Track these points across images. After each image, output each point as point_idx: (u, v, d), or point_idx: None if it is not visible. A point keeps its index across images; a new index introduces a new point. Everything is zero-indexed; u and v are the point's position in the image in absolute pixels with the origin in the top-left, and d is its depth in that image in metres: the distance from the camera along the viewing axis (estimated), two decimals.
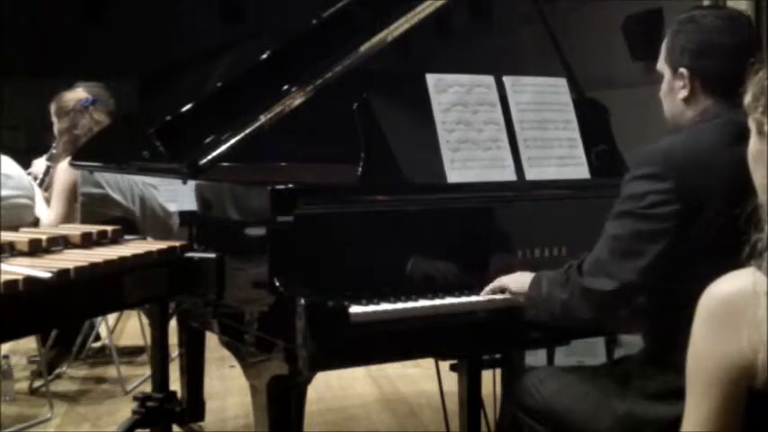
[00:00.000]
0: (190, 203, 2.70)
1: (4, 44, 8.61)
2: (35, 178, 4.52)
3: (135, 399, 3.08)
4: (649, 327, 2.14)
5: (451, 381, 2.88)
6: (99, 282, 2.29)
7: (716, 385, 1.32)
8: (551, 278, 2.15)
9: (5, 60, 8.28)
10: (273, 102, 2.60)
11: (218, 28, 9.16)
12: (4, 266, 2.08)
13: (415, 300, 2.24)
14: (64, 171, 4.20)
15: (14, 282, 1.98)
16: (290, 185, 2.24)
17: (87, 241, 2.52)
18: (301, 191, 2.26)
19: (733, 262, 1.36)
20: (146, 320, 4.32)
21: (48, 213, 4.27)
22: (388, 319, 2.18)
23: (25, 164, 4.47)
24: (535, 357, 3.81)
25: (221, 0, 9.42)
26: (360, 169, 2.39)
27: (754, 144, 1.40)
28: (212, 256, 2.46)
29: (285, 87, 2.64)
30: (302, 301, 2.06)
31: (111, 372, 4.69)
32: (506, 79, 2.64)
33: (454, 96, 2.53)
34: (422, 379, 4.50)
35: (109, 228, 2.65)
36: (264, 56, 2.70)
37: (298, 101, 2.61)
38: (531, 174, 2.60)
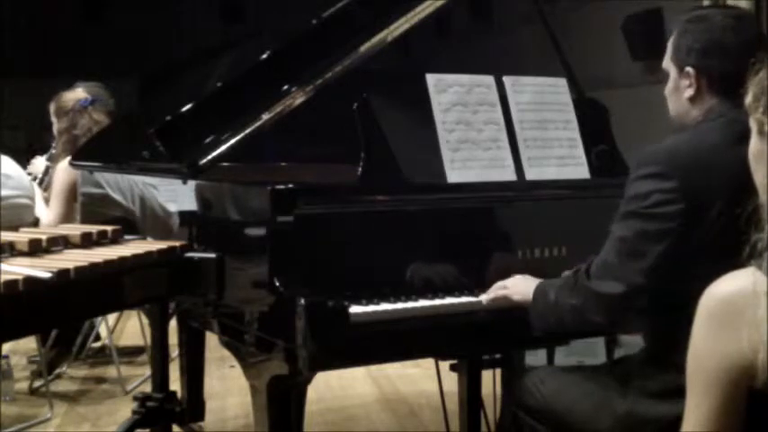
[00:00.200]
0: (190, 203, 2.70)
1: (4, 44, 8.60)
2: (34, 178, 4.52)
3: (135, 399, 3.08)
4: (651, 326, 2.13)
5: (451, 381, 2.88)
6: (99, 282, 2.29)
7: (716, 385, 1.32)
8: (558, 285, 2.13)
9: (5, 60, 8.27)
10: (273, 102, 2.60)
11: (218, 28, 9.16)
12: (4, 266, 2.08)
13: (415, 300, 2.24)
14: (63, 171, 4.20)
15: (14, 282, 1.98)
16: (290, 185, 2.24)
17: (87, 241, 2.52)
18: (301, 191, 2.26)
19: (735, 262, 1.36)
20: (146, 320, 4.32)
21: (47, 213, 4.27)
22: (388, 319, 2.18)
23: (25, 164, 4.48)
24: (535, 357, 3.81)
25: (221, 0, 9.42)
26: (360, 169, 2.39)
27: (754, 144, 1.40)
28: (212, 256, 2.46)
29: (285, 87, 2.64)
30: (302, 301, 2.06)
31: (111, 372, 4.69)
32: (506, 79, 2.64)
33: (454, 96, 2.53)
34: (422, 379, 4.50)
35: (109, 228, 2.65)
36: (264, 56, 2.70)
37: (298, 101, 2.61)
38: (531, 174, 2.60)
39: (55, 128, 4.43)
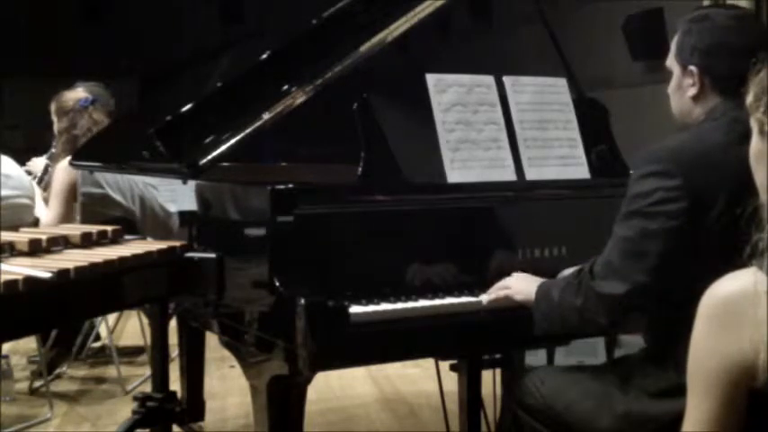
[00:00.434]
0: (190, 203, 2.70)
1: (4, 44, 8.60)
2: (33, 177, 4.52)
3: (135, 399, 3.08)
4: (651, 324, 2.14)
5: (451, 381, 2.88)
6: (99, 282, 2.29)
7: (717, 385, 1.32)
8: (562, 286, 2.12)
9: (5, 60, 8.27)
10: (273, 102, 2.60)
11: (218, 28, 9.15)
12: (4, 266, 2.08)
13: (415, 300, 2.24)
14: (63, 171, 4.20)
15: (14, 282, 1.98)
16: (290, 185, 2.24)
17: (87, 241, 2.52)
18: (301, 191, 2.26)
19: (737, 261, 1.36)
20: (146, 320, 4.32)
21: (46, 213, 4.27)
22: (388, 319, 2.18)
23: (25, 164, 4.48)
24: (535, 357, 3.81)
25: (221, 0, 9.41)
26: (360, 169, 2.39)
27: (755, 144, 1.40)
28: (212, 256, 2.46)
29: (285, 87, 2.64)
30: (302, 301, 2.06)
31: (111, 372, 4.69)
32: (506, 79, 2.64)
33: (454, 96, 2.53)
34: (422, 379, 4.50)
35: (109, 228, 2.66)
36: (264, 56, 2.70)
37: (298, 101, 2.61)
38: (531, 174, 2.60)
39: (55, 127, 4.43)
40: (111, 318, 5.15)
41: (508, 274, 2.35)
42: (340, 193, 2.41)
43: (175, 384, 3.19)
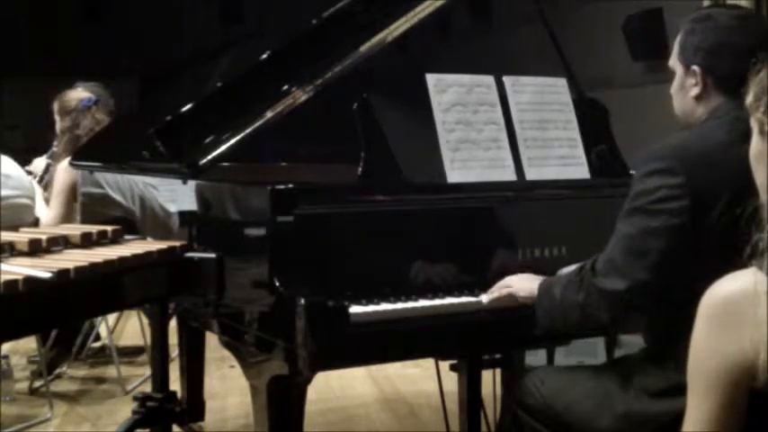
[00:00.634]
0: (190, 203, 2.70)
1: (4, 44, 8.59)
2: (34, 177, 4.52)
3: (135, 399, 3.08)
4: (652, 322, 2.14)
5: (451, 381, 2.88)
6: (99, 282, 2.29)
7: (717, 385, 1.32)
8: (563, 283, 2.12)
9: (5, 60, 8.27)
10: (273, 102, 2.60)
11: (218, 28, 9.15)
12: (4, 266, 2.08)
13: (415, 300, 2.24)
14: (63, 171, 4.20)
15: (14, 282, 1.98)
16: (290, 185, 2.24)
17: (87, 241, 2.52)
18: (301, 191, 2.26)
19: (737, 260, 1.36)
20: (146, 320, 4.32)
21: (47, 213, 4.27)
22: (388, 319, 2.18)
23: (25, 164, 4.47)
24: (535, 357, 3.81)
25: (221, 0, 9.41)
26: (360, 169, 2.39)
27: (755, 144, 1.40)
28: (212, 256, 2.46)
29: (285, 87, 2.64)
30: (302, 301, 2.06)
31: (111, 372, 4.69)
32: (506, 79, 2.64)
33: (454, 96, 2.53)
34: (422, 379, 4.50)
35: (109, 228, 2.66)
36: (265, 56, 2.70)
37: (298, 101, 2.61)
38: (531, 174, 2.60)
39: (57, 127, 4.43)
40: (111, 318, 5.15)
41: (508, 274, 2.35)
42: (340, 193, 2.41)
43: (175, 384, 3.19)
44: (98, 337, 5.05)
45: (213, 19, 9.24)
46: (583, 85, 2.89)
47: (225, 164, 2.65)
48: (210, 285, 2.44)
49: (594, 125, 2.80)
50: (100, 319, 4.71)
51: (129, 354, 5.13)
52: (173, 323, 3.20)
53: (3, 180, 3.90)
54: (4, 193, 3.90)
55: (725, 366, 1.31)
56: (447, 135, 2.49)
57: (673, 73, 2.18)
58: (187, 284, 2.56)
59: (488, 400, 2.88)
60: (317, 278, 2.18)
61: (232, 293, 2.41)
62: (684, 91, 2.14)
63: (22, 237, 2.41)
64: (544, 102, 2.68)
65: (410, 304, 2.22)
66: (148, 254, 2.48)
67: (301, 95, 2.61)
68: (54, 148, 4.50)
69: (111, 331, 4.82)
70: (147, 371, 4.37)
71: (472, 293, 2.33)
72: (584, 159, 2.71)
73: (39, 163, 4.63)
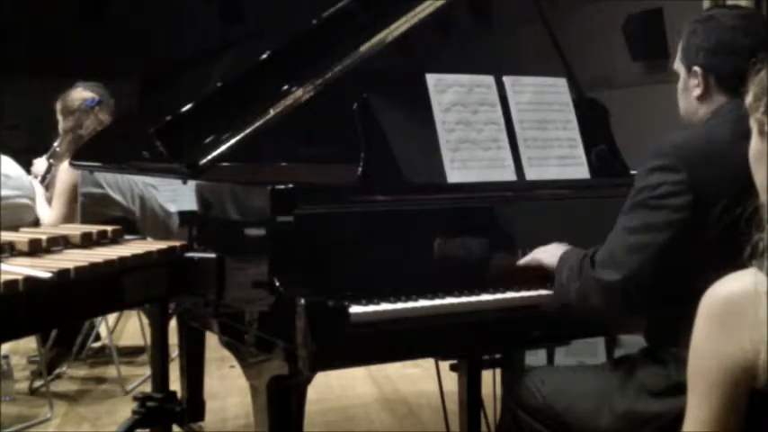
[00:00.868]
0: (190, 203, 2.70)
1: (4, 44, 8.59)
2: (35, 176, 4.52)
3: (135, 399, 3.08)
4: (651, 320, 2.15)
5: (451, 381, 2.88)
6: (99, 282, 2.29)
7: (717, 385, 1.32)
8: (570, 266, 2.16)
9: (5, 60, 8.27)
10: (273, 102, 2.60)
11: (218, 28, 9.15)
12: (4, 266, 2.08)
13: (415, 300, 2.24)
14: (66, 171, 4.21)
15: (14, 282, 1.98)
16: (290, 185, 2.24)
17: (87, 241, 2.52)
18: (301, 191, 2.26)
19: (737, 258, 1.36)
20: (146, 320, 4.32)
21: (48, 213, 4.27)
22: (388, 319, 2.18)
23: (25, 164, 4.47)
24: (535, 357, 3.81)
25: (221, 0, 9.41)
26: (360, 169, 2.39)
27: (755, 144, 1.40)
28: (212, 256, 2.46)
29: (285, 87, 2.64)
30: (302, 301, 2.06)
31: (111, 372, 4.69)
32: (506, 79, 2.64)
33: (454, 96, 2.53)
34: (422, 379, 4.49)
35: (109, 228, 2.66)
36: (264, 56, 2.70)
37: (298, 101, 2.61)
38: (531, 174, 2.60)
39: (60, 126, 4.42)
40: (111, 318, 5.15)
41: (508, 273, 2.36)
42: (340, 193, 2.41)
43: (175, 384, 3.19)
44: (98, 337, 5.05)
45: (213, 19, 9.24)
46: (583, 85, 2.89)
47: (225, 164, 2.65)
48: (210, 285, 2.44)
49: (594, 125, 2.80)
50: (100, 319, 4.71)
51: (129, 354, 5.13)
52: (173, 323, 3.20)
53: (3, 180, 3.90)
54: (4, 193, 3.90)
55: (725, 366, 1.31)
56: (447, 135, 2.49)
57: (674, 73, 2.19)
58: (187, 284, 2.56)
59: (488, 400, 2.88)
60: (317, 278, 2.18)
61: (232, 293, 2.41)
62: (688, 92, 2.16)
63: (22, 237, 2.41)
64: (544, 102, 2.68)
65: (410, 304, 2.22)
66: (148, 254, 2.48)
67: (301, 95, 2.61)
68: (56, 148, 4.50)
69: (111, 331, 4.82)
70: (147, 371, 4.37)
71: (472, 293, 2.33)
72: (584, 159, 2.71)
73: (39, 163, 4.63)
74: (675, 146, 2.04)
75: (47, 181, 4.52)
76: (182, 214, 2.78)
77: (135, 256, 2.41)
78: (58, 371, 4.68)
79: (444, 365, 2.83)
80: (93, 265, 2.23)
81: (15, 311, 2.00)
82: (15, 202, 4.05)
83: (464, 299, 2.31)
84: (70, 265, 2.15)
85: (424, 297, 2.26)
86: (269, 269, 2.18)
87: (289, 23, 3.13)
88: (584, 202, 2.64)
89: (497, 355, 2.76)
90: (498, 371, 2.83)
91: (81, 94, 4.42)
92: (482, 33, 8.30)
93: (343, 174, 2.58)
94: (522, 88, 2.65)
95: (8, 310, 1.96)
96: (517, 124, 2.61)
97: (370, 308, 2.16)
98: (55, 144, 4.51)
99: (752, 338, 1.27)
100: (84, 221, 3.40)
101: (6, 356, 4.24)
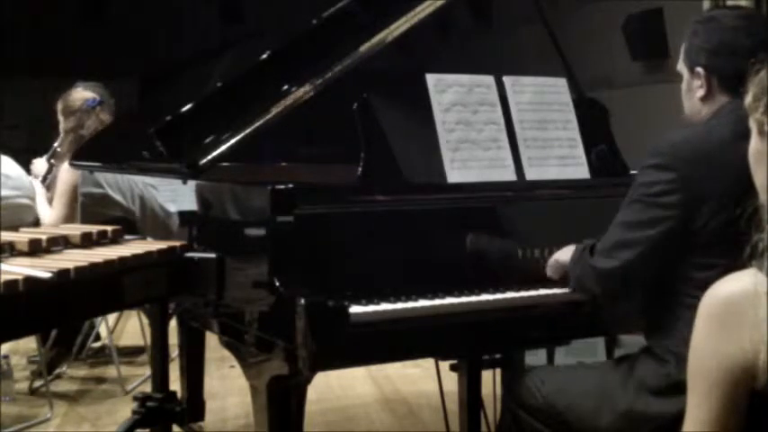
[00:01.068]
0: (190, 203, 2.70)
1: (4, 44, 8.59)
2: (35, 177, 4.52)
3: (135, 399, 3.08)
4: (648, 316, 2.18)
5: (451, 381, 2.88)
6: (99, 282, 2.29)
7: (717, 385, 1.32)
8: (576, 256, 2.24)
9: (5, 60, 8.26)
10: (273, 102, 2.60)
11: (218, 28, 9.15)
12: (4, 266, 2.08)
13: (415, 300, 2.24)
14: (67, 171, 4.20)
15: (14, 282, 1.98)
16: (290, 185, 2.24)
17: (87, 241, 2.52)
18: (301, 191, 2.26)
19: (734, 254, 1.37)
20: (146, 320, 4.32)
21: (49, 213, 4.27)
22: (388, 319, 2.18)
23: (25, 164, 4.47)
24: (535, 357, 3.80)
25: (221, 0, 9.41)
26: (360, 169, 2.39)
27: (754, 144, 1.40)
28: (212, 256, 2.46)
29: (285, 87, 2.64)
30: (302, 301, 2.06)
31: (111, 372, 4.69)
32: (506, 79, 2.64)
33: (454, 96, 2.53)
34: (422, 379, 4.49)
35: (109, 228, 2.66)
36: (264, 56, 2.69)
37: (298, 101, 2.61)
38: (531, 174, 2.60)
39: (61, 127, 4.42)
40: (111, 318, 5.15)
41: (508, 273, 2.36)
42: (340, 193, 2.41)
43: (175, 384, 3.19)
44: (98, 337, 5.05)
45: (213, 19, 9.24)
46: (583, 85, 2.90)
47: (225, 164, 2.65)
48: (210, 285, 2.44)
49: (594, 125, 2.80)
50: (100, 319, 4.71)
51: (129, 354, 5.13)
52: (173, 323, 3.20)
53: (3, 180, 3.90)
54: (4, 193, 3.90)
55: (725, 366, 1.31)
56: (447, 135, 2.49)
57: (674, 73, 2.20)
58: (187, 284, 2.56)
59: (488, 400, 2.88)
60: (317, 278, 2.18)
61: (232, 293, 2.41)
62: (691, 93, 2.18)
63: (22, 237, 2.41)
64: (544, 102, 2.68)
65: (410, 304, 2.22)
66: (148, 254, 2.48)
67: (301, 95, 2.61)
68: (57, 148, 4.50)
69: (111, 331, 4.82)
70: (147, 371, 4.37)
71: (472, 293, 2.33)
72: (584, 159, 2.71)
73: (39, 164, 4.63)
74: (673, 145, 2.08)
75: (48, 181, 4.52)
76: (182, 214, 2.78)
77: (135, 256, 2.41)
78: (58, 371, 4.68)
79: (444, 365, 2.83)
80: (93, 265, 2.23)
81: (15, 311, 2.00)
82: (15, 202, 4.05)
83: (464, 299, 2.31)
84: (70, 265, 2.15)
85: (424, 297, 2.26)
86: (269, 269, 2.18)
87: (289, 23, 3.13)
88: (584, 202, 2.64)
89: (497, 355, 2.76)
90: (498, 371, 2.83)
91: (82, 94, 4.42)
92: (482, 33, 8.30)
93: (343, 174, 2.58)
94: (522, 88, 2.66)
95: (8, 310, 1.96)
96: (517, 124, 2.61)
97: (370, 308, 2.16)
98: (55, 144, 4.51)
99: (752, 338, 1.27)
100: (84, 221, 3.40)
101: (6, 356, 4.24)
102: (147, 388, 3.29)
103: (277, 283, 2.15)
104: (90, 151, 3.66)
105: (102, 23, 9.37)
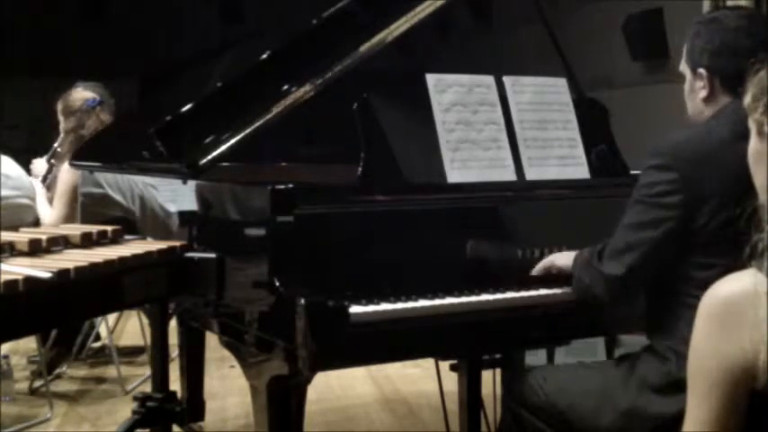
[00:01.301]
0: (190, 203, 2.70)
1: (4, 44, 8.59)
2: (35, 177, 4.51)
3: (135, 399, 3.08)
4: (649, 314, 2.18)
5: (451, 381, 2.88)
6: (99, 282, 2.29)
7: (717, 385, 1.32)
8: (580, 262, 2.23)
9: (5, 60, 8.26)
10: (273, 102, 2.60)
11: (218, 28, 9.15)
12: (4, 266, 2.08)
13: (415, 300, 2.24)
14: (67, 171, 4.20)
15: (14, 282, 1.98)
16: (290, 185, 2.24)
17: (87, 241, 2.52)
18: (301, 191, 2.26)
19: (734, 253, 1.37)
20: (146, 320, 4.32)
21: (50, 213, 4.27)
22: (388, 319, 2.18)
23: (25, 164, 4.47)
24: (535, 357, 3.81)
25: (221, 0, 9.41)
26: (360, 169, 2.39)
27: (753, 145, 1.41)
28: (212, 256, 2.46)
29: (285, 87, 2.64)
30: (302, 301, 2.06)
31: (111, 372, 4.69)
32: (506, 79, 2.64)
33: (454, 96, 2.53)
34: (422, 379, 4.49)
35: (109, 228, 2.66)
36: (264, 56, 2.70)
37: (297, 101, 2.61)
38: (531, 174, 2.60)
39: (62, 127, 4.42)
40: (111, 318, 5.15)
41: (508, 273, 2.36)
42: (340, 193, 2.41)
43: (175, 384, 3.19)
44: (98, 337, 5.05)
45: (213, 19, 9.24)
46: (583, 85, 2.90)
47: (225, 164, 2.65)
48: (210, 285, 2.44)
49: (594, 125, 2.80)
50: (100, 319, 4.71)
51: (129, 354, 5.13)
52: (173, 323, 3.20)
53: (3, 180, 3.90)
54: (4, 193, 3.90)
55: (725, 366, 1.31)
56: (447, 135, 2.49)
57: (674, 73, 2.20)
58: (187, 284, 2.56)
59: (488, 400, 2.88)
60: (317, 278, 2.18)
61: (232, 293, 2.41)
62: (694, 94, 2.18)
63: (22, 237, 2.41)
64: (544, 102, 2.68)
65: (410, 304, 2.22)
66: (148, 254, 2.48)
67: (301, 95, 2.61)
68: (58, 149, 4.50)
69: (111, 331, 4.82)
70: (147, 371, 4.37)
71: (472, 293, 2.33)
72: (584, 159, 2.71)
73: (38, 164, 4.63)
74: (673, 145, 2.09)
75: (48, 181, 4.52)
76: (182, 214, 2.78)
77: (135, 256, 2.41)
78: (58, 371, 4.68)
79: (444, 365, 2.83)
80: (93, 265, 2.23)
81: (15, 311, 2.00)
82: (15, 202, 4.04)
83: (464, 299, 2.31)
84: (70, 265, 2.15)
85: (424, 297, 2.26)
86: (269, 269, 2.18)
87: (289, 23, 3.13)
88: (584, 202, 2.64)
89: (497, 355, 2.76)
90: (498, 371, 2.84)
91: (82, 94, 4.42)
92: (482, 33, 8.30)
93: (343, 174, 2.58)
94: (522, 88, 2.66)
95: (8, 310, 1.96)
96: (517, 124, 2.61)
97: (370, 308, 2.16)
98: (55, 144, 4.50)
99: (752, 338, 1.27)
100: (84, 221, 3.40)
101: (6, 356, 4.24)
102: (147, 388, 3.29)
103: (277, 283, 2.15)
104: (90, 151, 3.66)
105: (102, 23, 9.37)
